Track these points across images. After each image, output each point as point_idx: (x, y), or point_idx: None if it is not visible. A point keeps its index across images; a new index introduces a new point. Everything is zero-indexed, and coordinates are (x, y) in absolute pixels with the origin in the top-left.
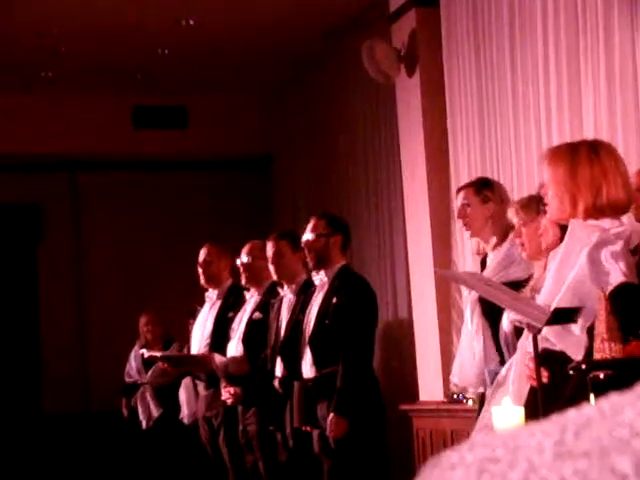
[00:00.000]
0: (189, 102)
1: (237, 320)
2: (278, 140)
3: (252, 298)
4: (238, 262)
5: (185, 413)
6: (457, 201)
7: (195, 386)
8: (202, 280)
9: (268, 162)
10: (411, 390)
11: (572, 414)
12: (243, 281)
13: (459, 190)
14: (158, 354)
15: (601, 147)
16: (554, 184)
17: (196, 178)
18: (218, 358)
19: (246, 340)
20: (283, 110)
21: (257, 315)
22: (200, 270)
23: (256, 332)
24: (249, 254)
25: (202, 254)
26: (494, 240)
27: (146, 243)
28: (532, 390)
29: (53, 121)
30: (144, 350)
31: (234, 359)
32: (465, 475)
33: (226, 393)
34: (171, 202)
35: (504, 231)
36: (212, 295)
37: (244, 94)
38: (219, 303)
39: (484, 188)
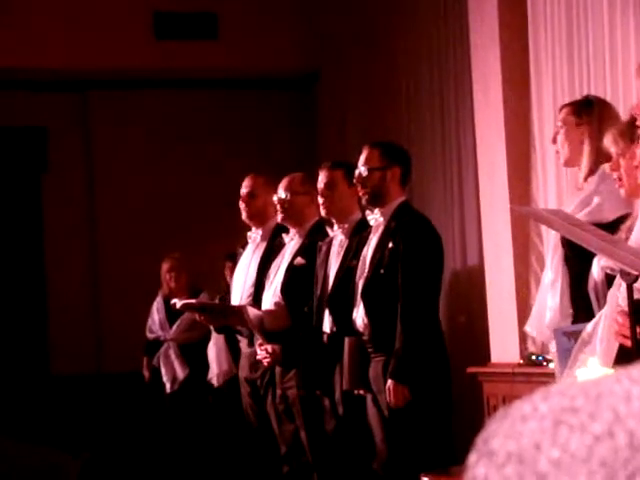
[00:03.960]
0: (220, 8)
1: (274, 267)
2: (326, 53)
3: (292, 241)
4: (275, 198)
5: (214, 373)
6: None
7: (228, 342)
8: (244, 216)
9: (313, 80)
10: (482, 350)
11: None
12: (280, 220)
13: (560, 110)
14: (194, 301)
15: None
16: None
17: (228, 98)
18: (252, 311)
19: (286, 290)
20: (333, 17)
21: (299, 260)
22: (242, 205)
23: (298, 280)
24: (287, 189)
25: (245, 186)
26: (585, 170)
27: (169, 175)
28: (622, 350)
29: (60, 31)
30: (176, 300)
31: (270, 312)
32: (539, 428)
33: (262, 352)
34: (199, 127)
35: (601, 159)
36: (255, 235)
37: None
38: (264, 245)
39: (584, 107)
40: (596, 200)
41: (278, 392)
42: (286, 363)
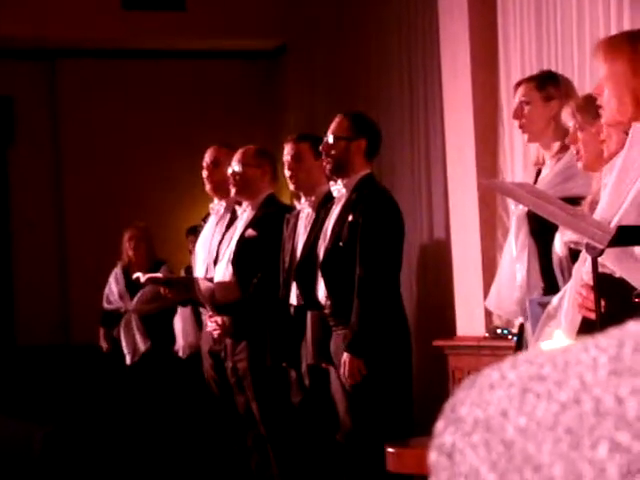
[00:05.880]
0: None
1: (226, 239)
2: (294, 24)
3: (244, 213)
4: (229, 171)
5: (180, 344)
6: (515, 98)
7: (194, 314)
8: (208, 187)
9: (282, 51)
10: (447, 324)
11: (631, 327)
12: (233, 193)
13: (518, 84)
14: (159, 275)
15: None
16: (612, 81)
17: (196, 70)
18: (203, 283)
19: (236, 262)
20: None
21: (250, 232)
22: (205, 174)
23: (248, 252)
24: (240, 162)
25: (208, 156)
26: (556, 146)
27: (137, 145)
28: (585, 323)
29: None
30: (139, 274)
31: (221, 284)
32: (506, 396)
33: (212, 323)
34: (167, 97)
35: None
36: (219, 207)
37: None
38: (228, 217)
39: (548, 83)
40: (570, 175)
41: (229, 365)
42: (236, 335)
